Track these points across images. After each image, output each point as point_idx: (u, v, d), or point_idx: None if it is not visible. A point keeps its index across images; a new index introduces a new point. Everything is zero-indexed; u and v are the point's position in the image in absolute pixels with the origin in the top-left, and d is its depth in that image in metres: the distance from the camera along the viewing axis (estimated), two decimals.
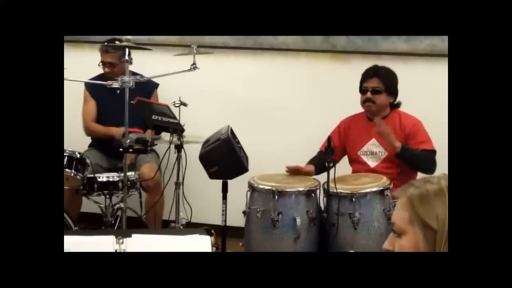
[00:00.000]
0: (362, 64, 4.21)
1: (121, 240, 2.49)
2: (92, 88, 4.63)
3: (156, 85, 4.64)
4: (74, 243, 2.45)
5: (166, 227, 4.37)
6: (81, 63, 4.73)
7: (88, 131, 4.70)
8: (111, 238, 2.48)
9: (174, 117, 3.90)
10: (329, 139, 3.70)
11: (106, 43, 4.45)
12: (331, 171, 3.67)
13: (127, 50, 3.80)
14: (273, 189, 3.74)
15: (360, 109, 4.12)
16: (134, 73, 4.20)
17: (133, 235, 2.51)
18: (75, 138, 4.70)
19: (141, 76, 4.12)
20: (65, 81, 3.72)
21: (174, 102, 4.15)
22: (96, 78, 4.54)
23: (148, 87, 4.47)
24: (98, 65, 4.52)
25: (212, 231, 2.86)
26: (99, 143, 4.66)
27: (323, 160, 3.77)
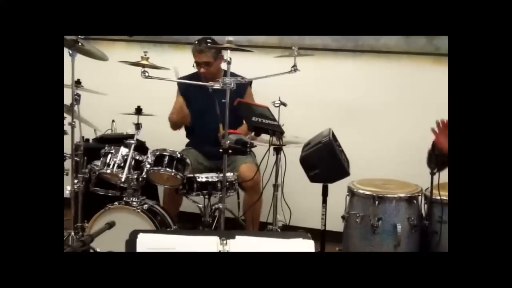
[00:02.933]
0: None
1: (224, 241, 2.50)
2: (183, 88, 4.67)
3: (249, 83, 4.62)
4: (179, 243, 2.49)
5: (263, 229, 4.37)
6: (182, 64, 4.74)
7: (170, 118, 4.68)
8: (215, 239, 2.50)
9: (274, 119, 3.89)
10: (433, 145, 3.61)
11: (199, 43, 4.47)
12: (435, 178, 3.59)
13: (228, 52, 3.78)
14: (374, 194, 3.73)
15: None
16: (233, 74, 4.15)
17: (237, 237, 2.51)
18: (173, 138, 4.81)
19: (242, 77, 4.13)
20: (166, 82, 3.86)
21: (274, 102, 4.15)
22: (188, 77, 4.55)
23: (241, 85, 4.39)
24: (193, 66, 4.54)
25: (309, 234, 2.85)
26: (196, 142, 4.72)
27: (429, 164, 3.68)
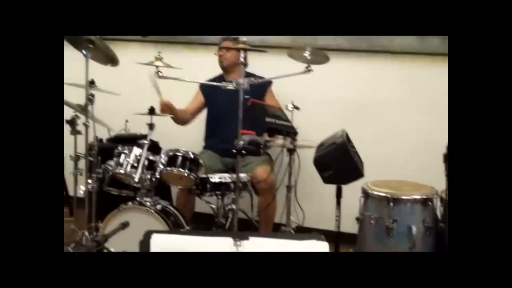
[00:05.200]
0: None
1: (238, 242, 2.49)
2: (205, 88, 4.75)
3: (269, 82, 4.67)
4: (192, 244, 2.48)
5: (277, 230, 4.36)
6: (196, 64, 4.84)
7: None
8: (229, 240, 2.49)
9: (288, 120, 3.90)
10: None
11: (222, 41, 4.59)
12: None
13: (241, 53, 3.79)
14: (388, 196, 3.71)
15: None
16: (248, 74, 4.23)
17: (251, 238, 2.50)
18: (186, 139, 4.87)
19: (255, 77, 4.15)
20: (182, 82, 3.87)
21: (287, 105, 4.15)
22: (214, 79, 4.62)
23: (262, 84, 4.49)
24: (215, 53, 4.61)
25: (323, 236, 2.83)
26: (213, 144, 4.75)
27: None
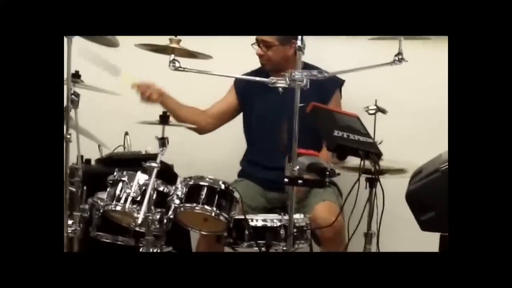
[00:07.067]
0: None
1: None
2: (241, 88, 4.45)
3: (339, 83, 4.28)
4: None
5: None
6: (228, 51, 4.54)
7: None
8: None
9: (367, 135, 3.44)
10: None
11: None
12: None
13: (299, 36, 3.40)
14: None
15: None
16: (306, 65, 3.93)
17: None
18: (216, 161, 4.68)
19: (319, 70, 3.68)
20: (206, 76, 3.78)
21: (368, 107, 3.74)
22: (252, 73, 4.32)
23: (326, 84, 4.03)
24: (252, 45, 4.29)
25: None
26: (251, 171, 4.39)
27: None
